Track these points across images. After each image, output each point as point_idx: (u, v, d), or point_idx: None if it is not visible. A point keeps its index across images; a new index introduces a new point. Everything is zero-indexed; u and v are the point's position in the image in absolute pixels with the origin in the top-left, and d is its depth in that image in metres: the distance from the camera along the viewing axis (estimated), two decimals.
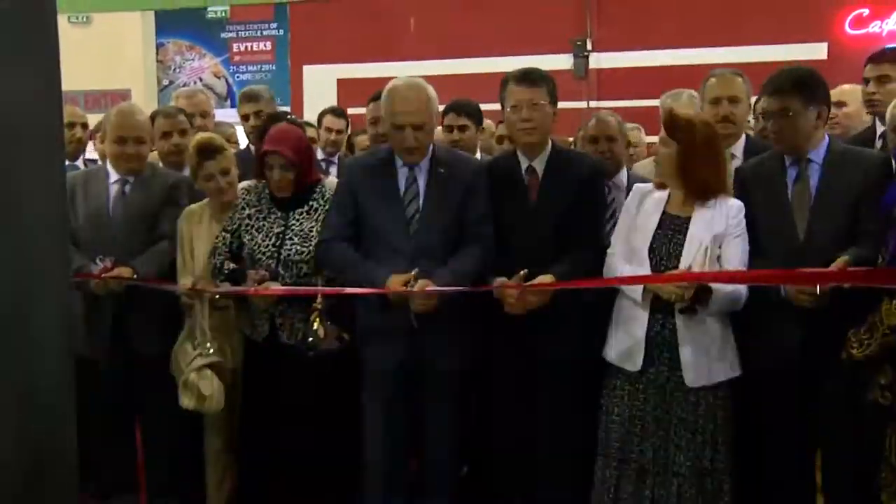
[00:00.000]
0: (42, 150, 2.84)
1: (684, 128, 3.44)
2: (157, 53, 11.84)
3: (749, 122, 4.60)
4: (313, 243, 3.73)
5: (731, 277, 3.36)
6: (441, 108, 4.00)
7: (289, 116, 4.69)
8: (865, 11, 9.64)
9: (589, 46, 10.23)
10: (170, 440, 4.19)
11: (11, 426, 2.63)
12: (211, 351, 3.80)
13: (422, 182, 3.72)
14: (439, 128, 4.47)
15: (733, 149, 4.09)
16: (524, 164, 3.78)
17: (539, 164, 3.76)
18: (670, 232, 3.46)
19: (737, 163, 4.00)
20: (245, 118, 5.17)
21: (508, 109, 3.76)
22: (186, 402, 3.77)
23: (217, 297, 3.86)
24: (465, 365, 3.77)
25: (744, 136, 4.19)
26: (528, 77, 3.73)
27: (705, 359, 3.38)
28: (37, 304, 2.76)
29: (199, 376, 3.75)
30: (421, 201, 3.70)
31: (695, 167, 3.41)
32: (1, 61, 2.57)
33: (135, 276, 3.92)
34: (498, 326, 3.68)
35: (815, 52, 8.89)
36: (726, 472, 3.42)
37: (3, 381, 2.61)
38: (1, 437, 2.59)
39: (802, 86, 3.45)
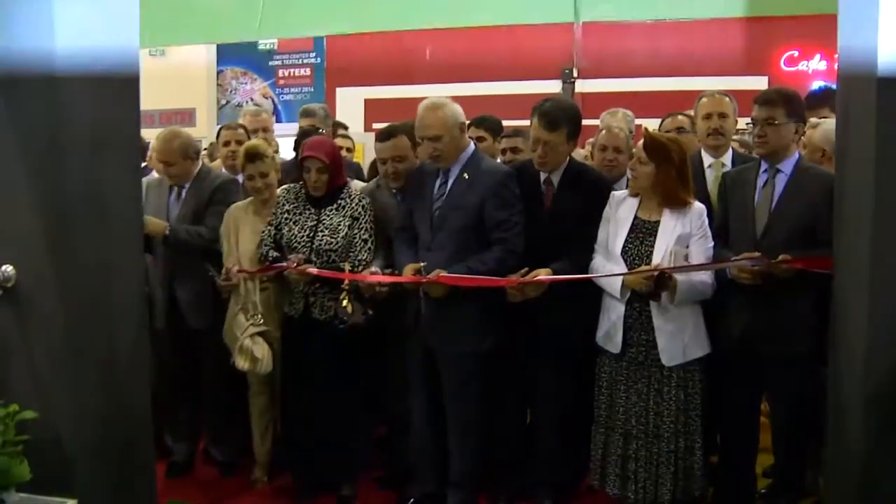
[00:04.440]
0: (123, 158, 2.88)
1: (660, 149, 3.37)
2: (217, 78, 11.86)
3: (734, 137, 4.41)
4: (341, 235, 3.71)
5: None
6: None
7: (319, 131, 4.70)
8: (796, 53, 9.82)
9: (575, 74, 10.24)
10: (221, 398, 4.22)
11: (100, 382, 2.68)
12: (261, 321, 3.82)
13: (450, 184, 3.62)
14: None
15: (723, 159, 3.98)
16: (543, 175, 3.66)
17: (555, 177, 3.65)
18: (641, 235, 3.41)
19: (726, 170, 3.88)
20: (300, 128, 5.03)
21: (531, 139, 3.66)
22: (241, 363, 3.78)
23: (263, 279, 3.86)
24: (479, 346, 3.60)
25: (731, 150, 4.04)
26: (549, 119, 3.55)
27: (680, 342, 3.34)
28: (118, 283, 2.81)
29: (253, 342, 3.77)
30: (443, 201, 3.61)
31: (668, 181, 3.36)
32: (94, 87, 2.63)
33: (167, 230, 3.99)
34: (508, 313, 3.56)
35: (758, 83, 8.85)
36: (697, 432, 3.38)
37: (94, 344, 2.66)
38: (92, 392, 2.64)
39: (787, 101, 3.40)
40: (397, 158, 3.86)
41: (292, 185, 3.94)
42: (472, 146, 3.71)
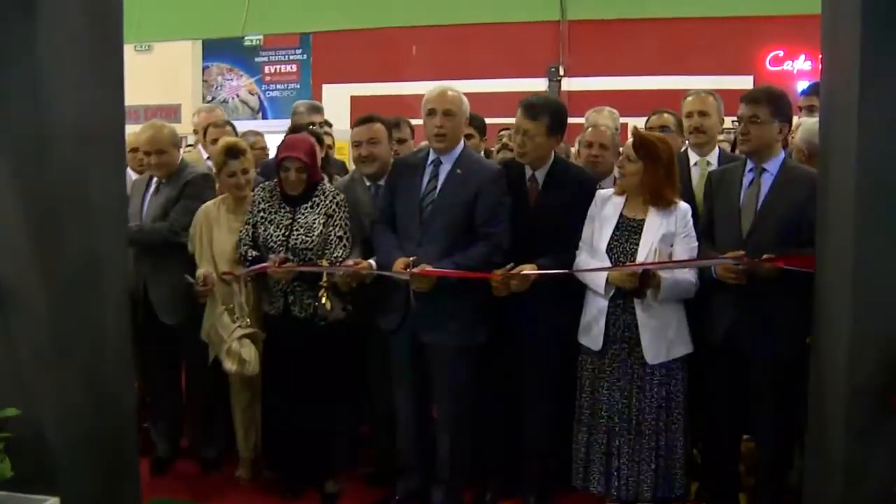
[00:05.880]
0: (108, 152, 2.86)
1: (648, 147, 3.37)
2: (203, 74, 11.84)
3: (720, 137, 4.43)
4: (316, 233, 3.69)
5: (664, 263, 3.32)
6: None
7: (311, 127, 4.66)
8: (781, 53, 9.92)
9: (561, 72, 10.27)
10: (205, 395, 4.19)
11: (84, 379, 2.67)
12: (248, 322, 3.78)
13: (442, 179, 3.60)
14: None
15: (710, 157, 3.98)
16: (528, 172, 3.65)
17: (540, 175, 3.64)
18: (626, 233, 3.41)
19: (712, 168, 3.87)
20: (311, 124, 4.89)
21: (513, 129, 3.65)
22: (229, 366, 3.73)
23: (248, 279, 3.81)
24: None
25: (718, 149, 4.05)
26: (531, 109, 3.56)
27: (663, 340, 3.34)
28: (103, 279, 2.79)
29: (240, 344, 3.73)
30: (435, 195, 3.59)
31: (655, 180, 3.36)
32: (79, 82, 2.61)
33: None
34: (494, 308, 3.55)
35: (743, 83, 8.91)
36: (679, 431, 3.38)
37: (78, 341, 2.65)
38: (76, 389, 2.63)
39: (772, 100, 3.38)
40: (372, 140, 3.85)
41: (267, 183, 3.91)
42: (462, 142, 3.72)
